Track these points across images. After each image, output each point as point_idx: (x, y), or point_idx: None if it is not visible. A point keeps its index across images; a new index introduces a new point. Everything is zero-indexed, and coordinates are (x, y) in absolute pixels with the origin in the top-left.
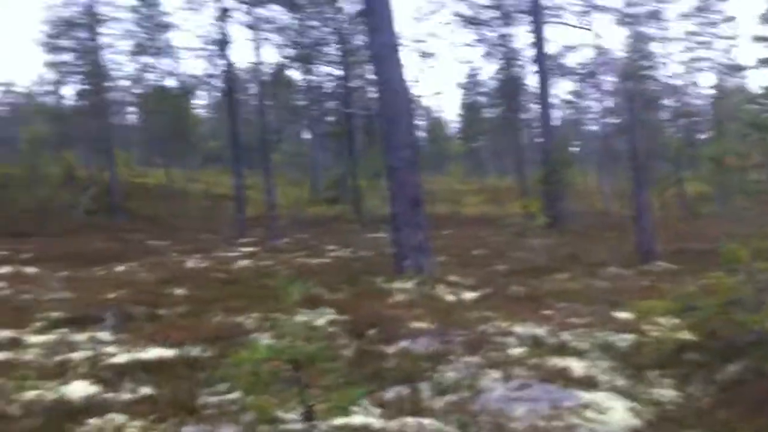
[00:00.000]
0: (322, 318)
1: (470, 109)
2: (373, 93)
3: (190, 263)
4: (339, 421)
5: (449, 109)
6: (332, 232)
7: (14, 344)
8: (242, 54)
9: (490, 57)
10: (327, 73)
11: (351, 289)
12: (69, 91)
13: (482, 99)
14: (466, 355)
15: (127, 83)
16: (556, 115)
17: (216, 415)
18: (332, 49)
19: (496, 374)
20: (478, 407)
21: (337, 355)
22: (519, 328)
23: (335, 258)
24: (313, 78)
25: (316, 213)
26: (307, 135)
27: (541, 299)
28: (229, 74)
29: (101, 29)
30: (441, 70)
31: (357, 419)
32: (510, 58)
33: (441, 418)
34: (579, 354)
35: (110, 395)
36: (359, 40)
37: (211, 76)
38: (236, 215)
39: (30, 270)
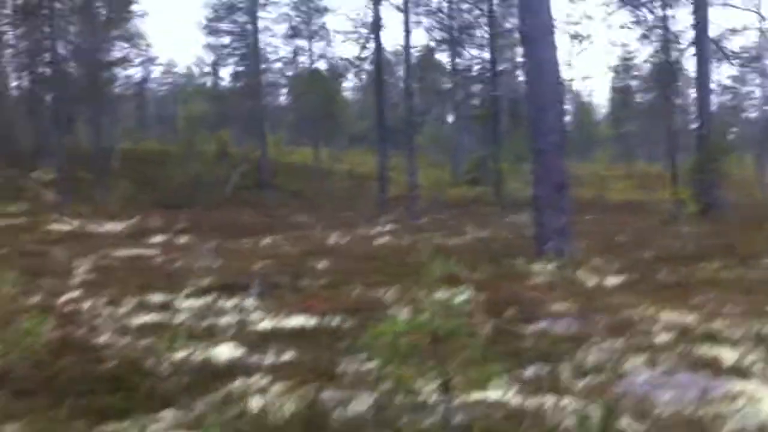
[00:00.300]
0: (461, 296)
1: (621, 94)
2: (520, 76)
3: (333, 239)
4: (476, 396)
5: (598, 92)
6: (472, 213)
7: (166, 308)
8: (392, 37)
9: (647, 39)
10: (475, 56)
11: (490, 269)
12: (226, 73)
13: (635, 83)
14: (608, 339)
15: (280, 65)
16: (714, 101)
17: (354, 382)
18: (481, 32)
19: (640, 359)
20: (621, 391)
21: (475, 332)
22: (666, 316)
23: (474, 239)
24: (461, 61)
25: (457, 195)
26: (451, 118)
27: (691, 287)
28: (379, 57)
29: (260, 13)
30: (592, 53)
31: (494, 395)
32: (668, 40)
33: (581, 399)
34: (731, 343)
35: (254, 359)
36: (509, 22)
37: (361, 59)
38: (378, 194)
39: (183, 240)
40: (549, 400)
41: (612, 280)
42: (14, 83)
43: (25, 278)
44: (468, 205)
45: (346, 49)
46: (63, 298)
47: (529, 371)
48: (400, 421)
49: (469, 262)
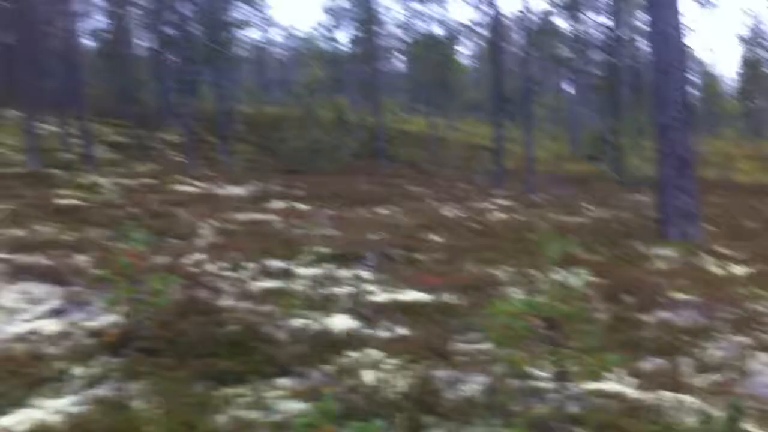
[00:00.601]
0: (578, 278)
1: (752, 66)
2: (643, 44)
3: (446, 211)
4: (592, 385)
5: (725, 64)
6: (590, 190)
7: (285, 275)
8: (509, 2)
9: None
10: (596, 22)
11: (609, 251)
12: (344, 37)
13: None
14: (733, 334)
15: (397, 30)
16: None
17: (466, 362)
18: None
19: (767, 358)
20: (745, 391)
21: (594, 318)
22: None
23: (592, 218)
24: (581, 27)
25: (574, 170)
26: (568, 88)
27: None
28: (496, 22)
29: None
30: (720, 21)
31: (610, 386)
32: None
33: (703, 398)
34: None
35: (368, 331)
36: None
37: (477, 24)
38: (493, 166)
39: (301, 206)
40: (668, 396)
41: (739, 270)
42: (141, 44)
43: (153, 238)
44: (586, 181)
45: (463, 14)
46: (188, 260)
47: (648, 363)
48: (512, 405)
49: (587, 242)
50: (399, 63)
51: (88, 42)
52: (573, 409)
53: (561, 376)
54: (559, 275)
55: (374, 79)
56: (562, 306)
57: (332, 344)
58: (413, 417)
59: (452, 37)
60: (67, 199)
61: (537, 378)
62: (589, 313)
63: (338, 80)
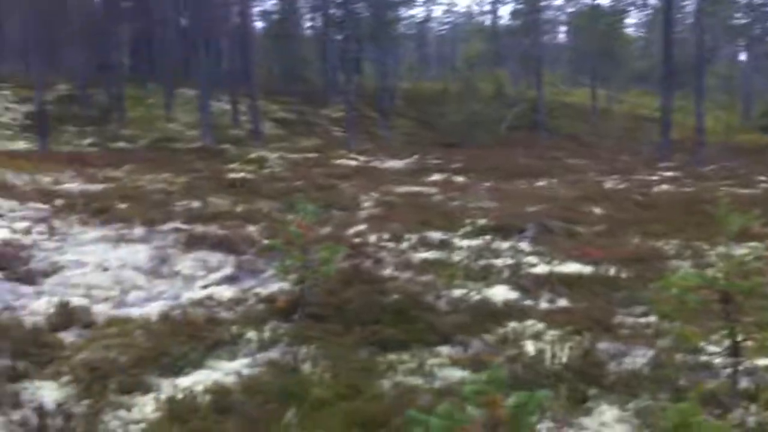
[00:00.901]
0: (751, 253)
1: None
2: None
3: (609, 183)
4: (766, 361)
5: None
6: (764, 162)
7: (444, 245)
8: None
9: None
10: None
11: None
12: (505, 11)
13: None
14: None
15: (560, 2)
16: None
17: (631, 335)
18: None
19: None
20: None
21: None
22: None
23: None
24: None
25: (747, 141)
26: (743, 56)
27: None
28: None
29: None
30: None
31: None
32: None
33: None
34: None
35: (529, 302)
36: None
37: None
38: (660, 138)
39: (458, 179)
40: None
41: None
42: (308, 24)
43: (321, 210)
44: (760, 152)
45: None
46: (351, 230)
47: None
48: (679, 379)
49: (761, 216)
50: (561, 34)
51: (258, 23)
52: (745, 384)
53: (734, 352)
54: (731, 249)
55: (535, 52)
56: (738, 280)
57: (492, 314)
58: (576, 388)
59: (619, 8)
60: (237, 172)
61: (707, 353)
62: (765, 288)
63: (497, 53)
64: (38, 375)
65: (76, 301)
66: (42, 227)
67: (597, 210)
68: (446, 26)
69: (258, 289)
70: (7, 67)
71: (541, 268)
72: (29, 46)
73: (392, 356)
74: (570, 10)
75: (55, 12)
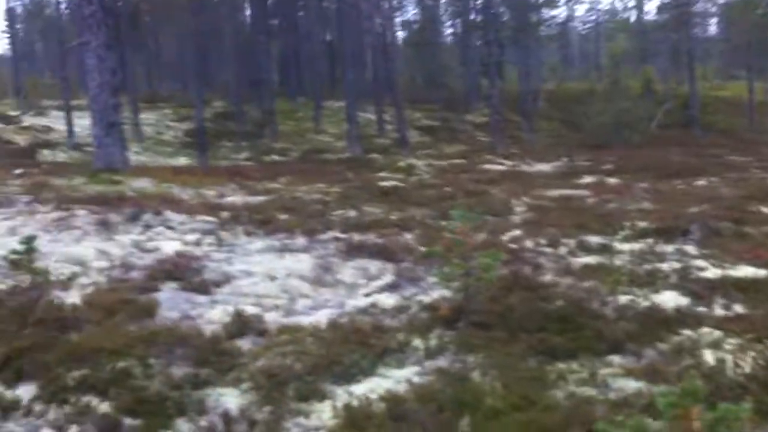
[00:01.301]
0: None
1: None
2: None
3: None
4: None
5: None
6: None
7: (604, 250)
8: None
9: None
10: None
11: None
12: (651, 6)
13: None
14: None
15: None
16: None
17: None
18: None
19: None
20: None
21: None
22: None
23: None
24: None
25: None
26: None
27: None
28: None
29: None
30: None
31: None
32: None
33: None
34: None
35: (702, 309)
36: None
37: None
38: None
39: (611, 180)
40: None
41: None
42: (448, 31)
43: (477, 216)
44: None
45: None
46: (506, 236)
47: None
48: None
49: None
50: (711, 27)
51: (399, 32)
52: None
53: None
54: None
55: (685, 46)
56: None
57: (663, 322)
58: (763, 401)
59: None
60: (387, 181)
61: None
62: None
63: (645, 50)
64: (220, 382)
65: (249, 309)
66: (211, 239)
67: (765, 209)
68: (589, 24)
69: (420, 297)
70: (166, 86)
71: (712, 272)
72: (186, 67)
73: (561, 365)
74: (721, 1)
75: (208, 32)
